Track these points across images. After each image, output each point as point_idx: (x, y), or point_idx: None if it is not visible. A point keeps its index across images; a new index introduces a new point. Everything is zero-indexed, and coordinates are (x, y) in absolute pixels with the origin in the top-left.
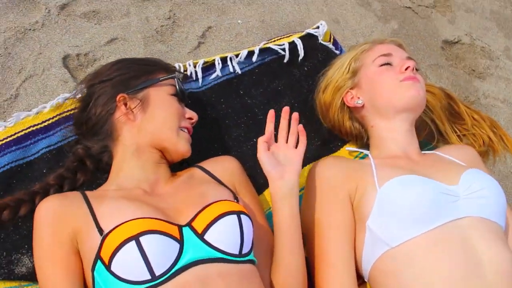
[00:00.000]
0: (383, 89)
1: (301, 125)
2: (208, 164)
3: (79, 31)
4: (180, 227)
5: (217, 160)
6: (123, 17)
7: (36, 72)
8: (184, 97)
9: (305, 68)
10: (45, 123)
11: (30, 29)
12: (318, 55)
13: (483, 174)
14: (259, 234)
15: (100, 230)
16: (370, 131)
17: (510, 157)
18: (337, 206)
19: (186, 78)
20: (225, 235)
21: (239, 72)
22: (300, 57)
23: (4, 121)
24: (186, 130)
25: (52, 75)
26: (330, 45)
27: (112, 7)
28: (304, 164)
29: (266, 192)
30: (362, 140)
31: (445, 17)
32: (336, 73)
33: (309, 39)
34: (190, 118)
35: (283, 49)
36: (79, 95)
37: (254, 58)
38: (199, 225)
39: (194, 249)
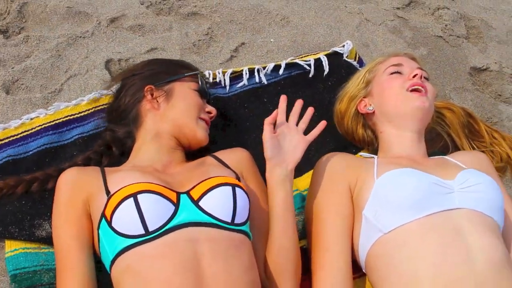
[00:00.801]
0: (391, 95)
1: (324, 121)
2: (220, 153)
3: (123, 41)
4: (178, 194)
5: (229, 150)
6: (165, 31)
7: (80, 72)
8: (206, 94)
9: (329, 83)
10: (81, 114)
11: (80, 37)
12: (342, 71)
13: (480, 173)
14: (261, 218)
15: (108, 193)
16: (380, 137)
17: None
18: (337, 195)
19: (213, 84)
20: (219, 202)
21: (265, 82)
22: (325, 73)
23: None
24: (204, 122)
25: (94, 75)
26: (355, 63)
27: (156, 22)
28: None
29: None
30: (373, 147)
31: (476, 47)
32: (352, 84)
33: (335, 56)
34: (209, 112)
35: (309, 65)
36: (113, 90)
37: (281, 72)
38: (195, 193)
39: (187, 213)
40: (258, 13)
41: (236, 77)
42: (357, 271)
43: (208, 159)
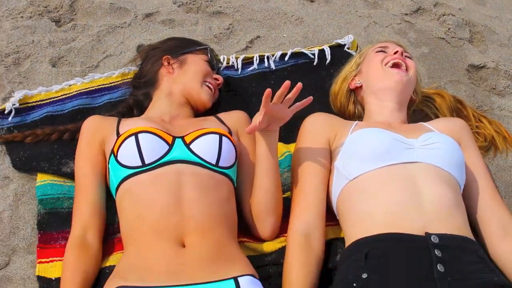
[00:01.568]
0: (374, 70)
1: (310, 97)
2: (222, 114)
3: (155, 31)
4: (174, 137)
5: (230, 112)
6: (192, 25)
7: (115, 53)
8: (214, 64)
9: (331, 70)
10: (111, 84)
11: (119, 26)
12: (343, 60)
13: (443, 134)
14: (250, 168)
15: (118, 134)
16: (365, 108)
17: (511, 154)
18: (317, 147)
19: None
20: (206, 146)
21: (273, 68)
22: (327, 61)
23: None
24: (210, 86)
25: (126, 56)
26: (355, 53)
27: (185, 18)
28: None
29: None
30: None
31: (477, 48)
32: (346, 67)
33: (337, 48)
34: (217, 79)
35: (313, 54)
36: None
37: (287, 58)
38: (188, 138)
39: (179, 152)
40: (275, 13)
41: (247, 62)
42: (334, 219)
43: (210, 117)
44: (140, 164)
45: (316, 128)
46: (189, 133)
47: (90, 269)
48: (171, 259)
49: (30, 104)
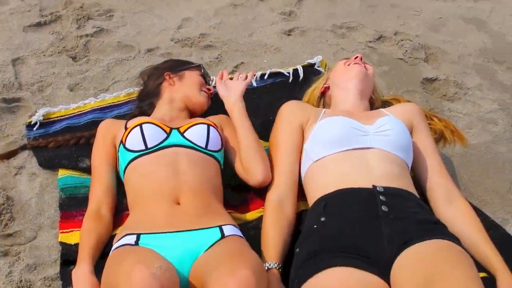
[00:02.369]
0: (338, 70)
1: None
2: (209, 117)
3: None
4: (171, 128)
5: (214, 115)
6: (186, 57)
7: (121, 79)
8: (206, 77)
9: (304, 86)
10: (119, 102)
11: (125, 59)
12: (313, 77)
13: (395, 120)
14: (234, 148)
15: (126, 128)
16: (332, 102)
17: (458, 145)
18: (291, 129)
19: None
20: (196, 133)
21: (255, 85)
22: (301, 78)
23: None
24: (206, 92)
25: (131, 81)
26: (324, 70)
27: (181, 51)
28: None
29: None
30: None
31: (431, 66)
32: (317, 81)
33: (309, 67)
34: (209, 89)
35: (288, 73)
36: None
37: (266, 77)
38: (183, 128)
39: (175, 139)
40: (257, 45)
41: None
42: (305, 196)
43: (199, 118)
44: (144, 148)
45: (291, 113)
46: (183, 125)
47: (103, 234)
48: (169, 213)
49: (52, 119)
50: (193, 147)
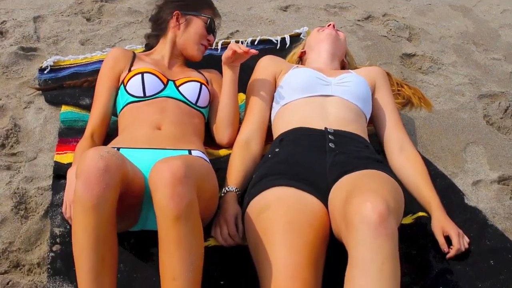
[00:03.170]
0: (312, 36)
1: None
2: (203, 70)
3: None
4: (168, 80)
5: (209, 69)
6: None
7: (127, 38)
8: (212, 30)
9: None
10: None
11: (133, 22)
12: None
13: (357, 75)
14: (216, 105)
15: (129, 70)
16: (307, 62)
17: (424, 110)
18: (265, 79)
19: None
20: (189, 89)
21: None
22: (287, 46)
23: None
24: (203, 46)
25: (136, 41)
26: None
27: None
28: None
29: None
30: None
31: (412, 43)
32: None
33: (295, 36)
34: (209, 40)
35: (276, 40)
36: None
37: (256, 43)
38: (179, 82)
39: (170, 91)
40: (254, 17)
41: (225, 46)
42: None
43: (195, 71)
44: (142, 95)
45: (266, 65)
46: (180, 78)
47: None
48: (150, 135)
49: (61, 66)
50: (185, 101)
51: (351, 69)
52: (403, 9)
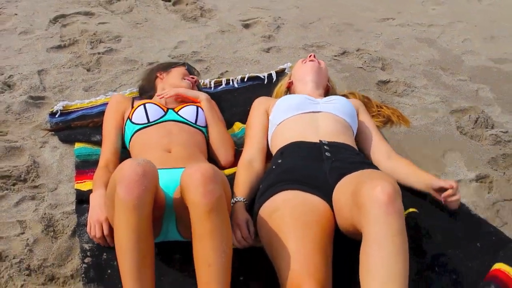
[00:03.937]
0: (297, 67)
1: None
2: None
3: None
4: (168, 108)
5: None
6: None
7: (127, 84)
8: (191, 69)
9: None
10: None
11: (130, 70)
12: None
13: (340, 97)
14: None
15: (132, 106)
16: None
17: (403, 126)
18: (259, 114)
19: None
20: (187, 112)
21: (236, 86)
22: (274, 80)
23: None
24: (188, 80)
25: (134, 86)
26: None
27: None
28: None
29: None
30: None
31: (385, 72)
32: (284, 78)
33: (281, 72)
34: (193, 77)
35: (264, 76)
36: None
37: (245, 80)
38: (177, 109)
39: (171, 116)
40: (240, 59)
41: (218, 84)
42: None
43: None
44: (146, 121)
45: (258, 103)
46: (177, 106)
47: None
48: (162, 157)
49: (69, 110)
50: (185, 122)
51: (333, 93)
52: (374, 44)
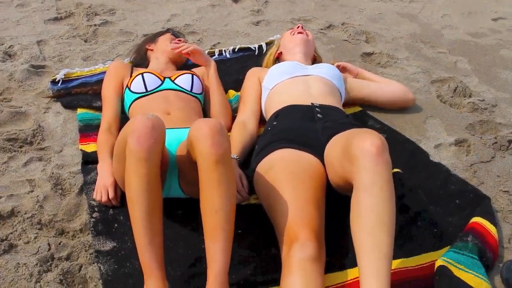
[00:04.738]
0: (286, 38)
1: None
2: (194, 68)
3: None
4: (164, 77)
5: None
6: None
7: (123, 54)
8: (176, 34)
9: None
10: None
11: (125, 41)
12: None
13: (327, 64)
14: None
15: (130, 76)
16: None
17: None
18: (252, 82)
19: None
20: (183, 80)
21: (228, 56)
22: (264, 51)
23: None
24: (175, 43)
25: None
26: None
27: None
28: None
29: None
30: None
31: (370, 45)
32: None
33: (270, 43)
34: (180, 40)
35: (254, 47)
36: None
37: (236, 50)
38: (173, 77)
39: (168, 84)
40: (231, 31)
41: (211, 54)
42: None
43: (185, 70)
44: (144, 90)
45: (251, 73)
46: (173, 75)
47: (113, 144)
48: (162, 118)
49: (70, 78)
50: (181, 90)
51: (320, 61)
52: (358, 18)
